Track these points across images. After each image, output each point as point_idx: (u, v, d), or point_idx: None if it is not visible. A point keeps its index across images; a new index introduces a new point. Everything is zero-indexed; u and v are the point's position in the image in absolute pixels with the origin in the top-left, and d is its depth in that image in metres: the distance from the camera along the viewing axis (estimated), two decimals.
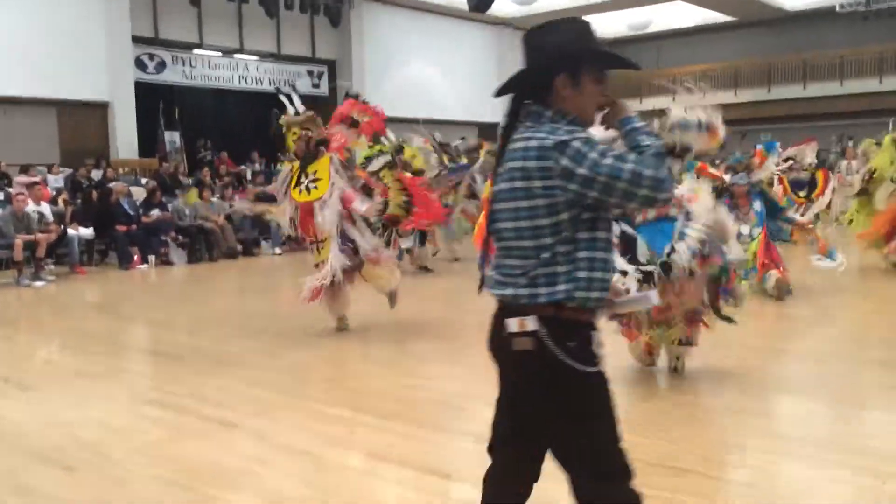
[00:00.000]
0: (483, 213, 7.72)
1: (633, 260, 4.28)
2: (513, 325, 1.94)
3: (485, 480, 2.28)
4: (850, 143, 17.49)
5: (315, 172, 6.30)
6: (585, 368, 1.93)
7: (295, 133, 6.46)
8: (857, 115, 20.78)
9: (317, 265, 6.39)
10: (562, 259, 1.91)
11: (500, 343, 2.03)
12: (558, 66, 1.97)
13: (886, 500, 3.09)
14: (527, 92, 2.02)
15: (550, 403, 1.97)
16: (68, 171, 14.33)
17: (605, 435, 1.99)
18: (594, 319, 1.99)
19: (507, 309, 1.98)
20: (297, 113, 6.69)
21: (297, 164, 6.45)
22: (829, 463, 3.49)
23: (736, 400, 4.45)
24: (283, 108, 6.75)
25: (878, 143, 9.57)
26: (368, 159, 7.05)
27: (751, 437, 3.83)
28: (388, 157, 7.10)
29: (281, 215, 6.61)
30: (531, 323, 1.92)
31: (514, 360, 1.99)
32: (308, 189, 6.25)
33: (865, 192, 9.28)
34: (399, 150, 8.66)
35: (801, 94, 22.41)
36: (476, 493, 3.21)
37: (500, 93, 2.08)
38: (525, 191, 1.90)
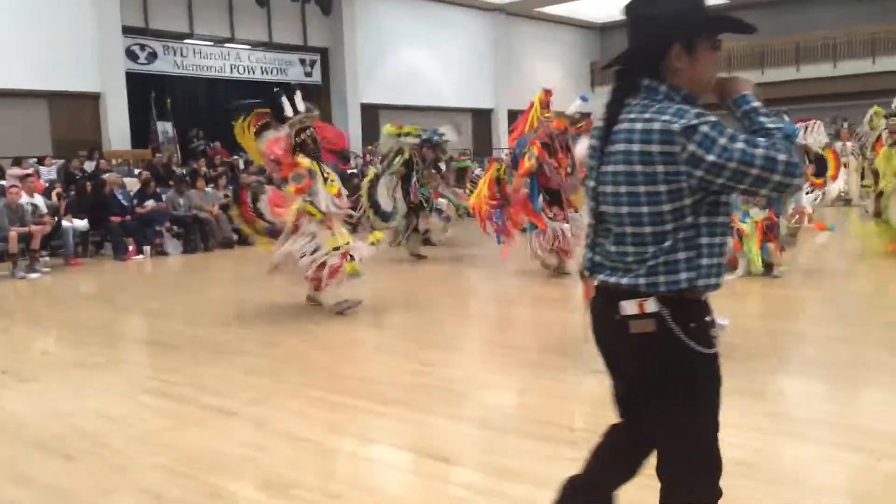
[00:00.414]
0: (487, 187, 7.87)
1: None
2: (630, 307, 1.87)
3: (592, 459, 2.20)
4: (845, 125, 17.52)
5: (322, 169, 6.70)
6: (705, 350, 1.88)
7: (305, 131, 6.65)
8: (851, 97, 20.80)
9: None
10: (682, 246, 1.83)
11: (611, 327, 1.93)
12: (673, 36, 1.84)
13: (881, 478, 3.12)
14: (636, 66, 1.89)
15: (666, 386, 1.90)
16: (60, 162, 14.25)
17: (709, 421, 1.96)
18: (709, 301, 1.94)
19: (617, 293, 1.90)
20: (308, 110, 6.83)
21: (313, 161, 6.63)
22: (824, 442, 3.51)
23: (731, 380, 4.48)
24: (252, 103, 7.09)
25: (887, 115, 9.29)
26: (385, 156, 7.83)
27: (746, 416, 3.85)
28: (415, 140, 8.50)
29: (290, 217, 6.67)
30: (651, 304, 1.85)
31: (633, 343, 1.89)
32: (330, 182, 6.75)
33: (879, 216, 8.80)
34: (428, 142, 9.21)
35: (795, 76, 22.41)
36: (475, 477, 3.25)
37: (607, 66, 1.98)
38: (645, 175, 1.80)
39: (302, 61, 20.07)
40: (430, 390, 4.54)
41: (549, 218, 8.02)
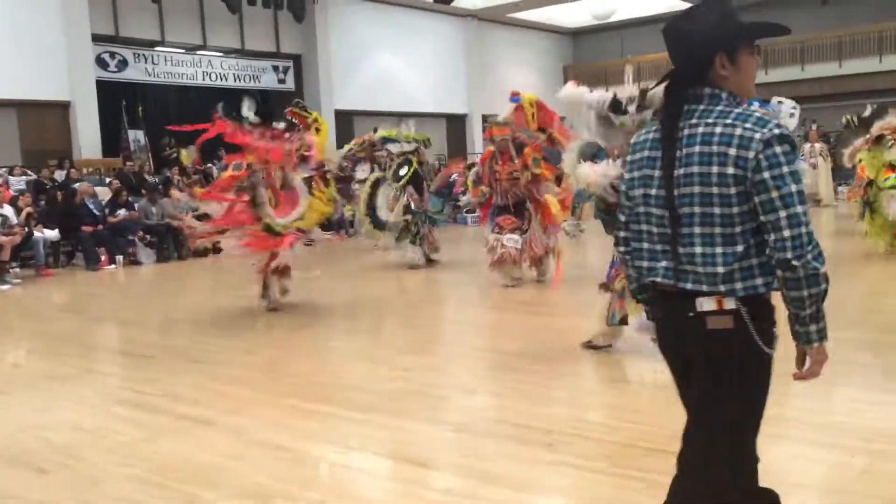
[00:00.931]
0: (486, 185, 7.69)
1: None
2: (709, 303, 1.93)
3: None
4: (813, 127, 17.77)
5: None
6: (768, 350, 1.96)
7: None
8: (820, 99, 21.09)
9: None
10: (754, 252, 1.91)
11: (685, 326, 1.98)
12: (715, 47, 1.96)
13: (855, 474, 3.16)
14: (687, 79, 2.00)
15: (730, 383, 1.97)
16: (31, 174, 14.06)
17: (756, 421, 2.05)
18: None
19: (693, 294, 1.95)
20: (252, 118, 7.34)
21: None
22: (800, 440, 3.56)
23: None
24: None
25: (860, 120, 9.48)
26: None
27: None
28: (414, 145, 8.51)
29: None
30: (730, 302, 1.91)
31: (707, 339, 1.95)
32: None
33: (870, 206, 8.98)
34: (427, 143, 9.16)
35: (764, 79, 22.69)
36: (454, 481, 3.24)
37: (658, 83, 2.10)
38: (720, 177, 1.87)
39: (275, 68, 19.98)
40: (409, 396, 4.53)
41: (496, 230, 7.81)
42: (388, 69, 21.83)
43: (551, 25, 26.31)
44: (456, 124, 24.42)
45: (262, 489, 3.24)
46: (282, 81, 20.08)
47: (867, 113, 9.55)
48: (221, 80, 18.87)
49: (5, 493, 3.35)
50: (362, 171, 10.86)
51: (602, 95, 4.71)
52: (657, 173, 2.00)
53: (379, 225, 9.90)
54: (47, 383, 5.19)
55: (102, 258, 11.64)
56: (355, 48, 20.99)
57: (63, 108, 15.79)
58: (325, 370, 5.33)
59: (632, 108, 4.57)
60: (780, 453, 3.45)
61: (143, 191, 13.31)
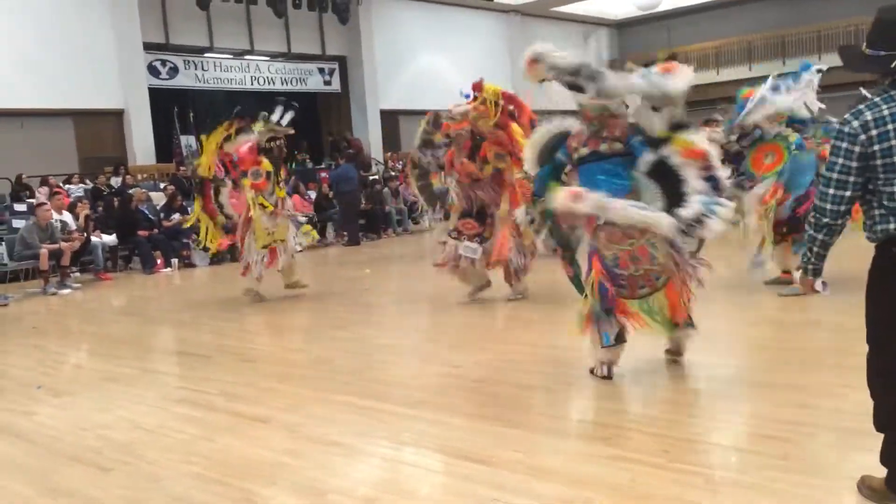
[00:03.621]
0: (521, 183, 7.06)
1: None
2: None
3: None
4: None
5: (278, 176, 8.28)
6: None
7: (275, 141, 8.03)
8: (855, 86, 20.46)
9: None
10: None
11: None
12: None
13: None
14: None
15: None
16: (88, 182, 14.45)
17: None
18: None
19: None
20: (286, 125, 8.02)
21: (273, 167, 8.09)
22: (858, 432, 3.45)
23: (764, 374, 4.42)
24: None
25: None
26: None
27: (781, 408, 3.80)
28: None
29: None
30: None
31: None
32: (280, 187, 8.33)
33: None
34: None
35: (816, 65, 22.10)
36: (508, 477, 3.22)
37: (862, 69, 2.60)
38: None
39: (321, 70, 20.18)
40: (460, 392, 4.53)
41: (455, 235, 7.08)
42: (431, 68, 21.86)
43: (596, 17, 26.03)
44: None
45: (317, 485, 3.27)
46: (327, 83, 20.27)
47: None
48: (269, 83, 19.13)
49: (68, 490, 3.44)
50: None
51: (566, 59, 4.26)
52: None
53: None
54: (108, 384, 5.32)
55: (158, 261, 11.91)
56: (399, 48, 21.08)
57: (117, 116, 16.20)
58: (375, 367, 5.36)
59: (590, 91, 4.14)
60: (841, 447, 3.36)
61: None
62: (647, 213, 4.06)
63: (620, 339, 4.41)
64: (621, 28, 27.23)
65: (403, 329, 6.60)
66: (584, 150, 4.33)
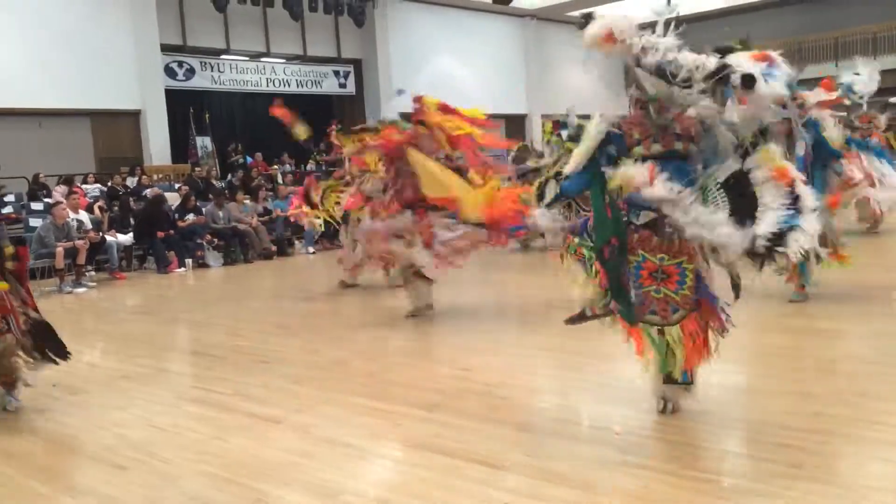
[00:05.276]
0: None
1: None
2: None
3: None
4: None
5: None
6: None
7: None
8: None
9: None
10: None
11: None
12: None
13: None
14: None
15: None
16: (103, 184, 14.59)
17: None
18: None
19: None
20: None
21: None
22: (874, 441, 3.44)
23: (777, 382, 4.41)
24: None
25: None
26: None
27: (795, 416, 3.78)
28: None
29: None
30: None
31: None
32: None
33: None
34: None
35: (834, 72, 22.00)
36: (520, 481, 3.23)
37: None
38: None
39: (336, 73, 20.28)
40: (472, 395, 4.53)
41: None
42: (447, 71, 21.90)
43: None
44: (516, 125, 24.36)
45: (330, 486, 3.29)
46: (343, 86, 20.37)
47: None
48: (284, 86, 19.24)
49: (85, 488, 3.48)
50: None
51: (699, 57, 3.54)
52: None
53: None
54: (123, 382, 5.37)
55: (172, 261, 11.99)
56: (415, 51, 21.13)
57: (134, 116, 16.33)
58: (388, 369, 5.37)
59: (697, 85, 3.51)
60: (855, 455, 3.35)
61: (211, 195, 13.67)
62: (720, 232, 3.42)
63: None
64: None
65: (417, 331, 6.61)
66: (657, 147, 3.65)
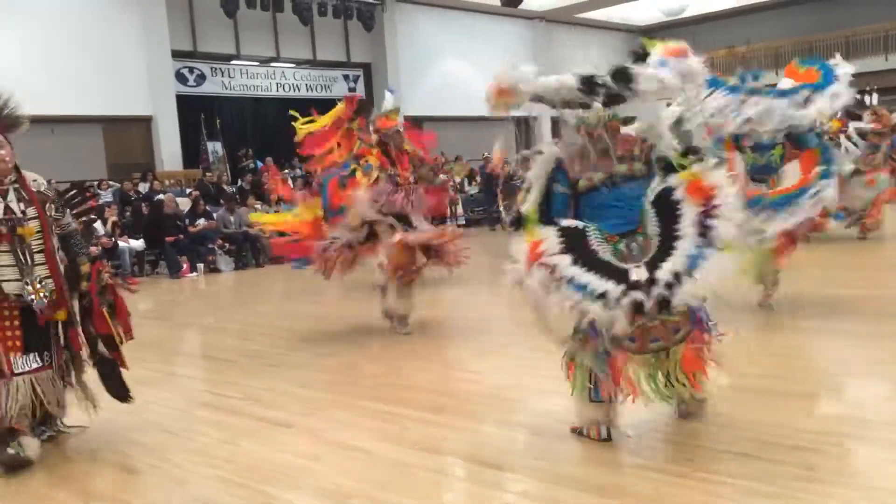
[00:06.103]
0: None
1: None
2: None
3: None
4: None
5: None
6: None
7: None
8: None
9: None
10: None
11: None
12: None
13: None
14: None
15: None
16: (116, 185, 14.66)
17: None
18: None
19: None
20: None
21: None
22: (878, 441, 3.40)
23: (795, 384, 4.37)
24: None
25: None
26: None
27: (812, 418, 3.75)
28: None
29: None
30: None
31: None
32: None
33: None
34: None
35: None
36: (530, 484, 3.21)
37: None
38: None
39: (346, 77, 20.33)
40: (482, 398, 4.52)
41: None
42: (456, 74, 21.91)
43: (621, 24, 25.95)
44: (525, 127, 24.33)
45: (340, 489, 3.29)
46: (352, 90, 20.39)
47: None
48: (294, 90, 19.31)
49: (97, 492, 3.49)
50: None
51: (561, 78, 3.80)
52: None
53: None
54: (134, 386, 5.33)
55: (184, 266, 12.04)
56: (423, 54, 21.16)
57: (146, 122, 16.42)
58: (398, 373, 5.36)
59: (598, 99, 3.64)
60: (871, 457, 3.31)
61: (222, 200, 13.71)
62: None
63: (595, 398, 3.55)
64: (646, 34, 27.06)
65: (425, 335, 6.60)
66: (598, 176, 3.63)
